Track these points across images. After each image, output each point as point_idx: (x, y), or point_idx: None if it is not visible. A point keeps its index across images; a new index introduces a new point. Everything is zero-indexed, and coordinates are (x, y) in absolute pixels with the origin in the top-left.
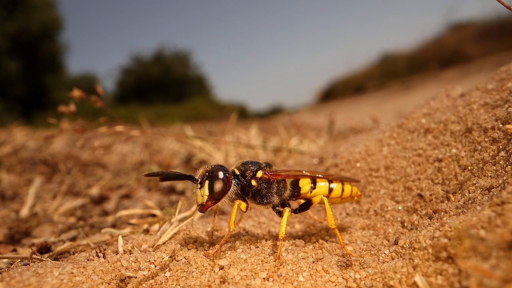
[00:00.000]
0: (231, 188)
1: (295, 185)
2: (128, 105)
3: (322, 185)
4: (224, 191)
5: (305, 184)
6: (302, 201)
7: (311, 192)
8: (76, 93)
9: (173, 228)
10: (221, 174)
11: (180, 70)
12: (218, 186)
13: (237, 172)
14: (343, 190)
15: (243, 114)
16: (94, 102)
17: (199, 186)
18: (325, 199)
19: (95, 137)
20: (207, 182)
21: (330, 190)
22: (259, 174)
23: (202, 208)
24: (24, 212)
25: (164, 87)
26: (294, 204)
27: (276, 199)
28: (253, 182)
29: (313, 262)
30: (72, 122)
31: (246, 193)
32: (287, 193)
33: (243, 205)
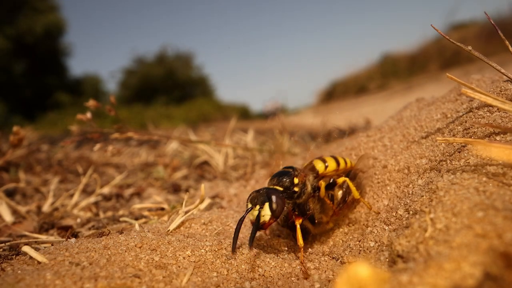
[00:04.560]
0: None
1: (312, 168)
2: (131, 106)
3: (331, 161)
4: (282, 208)
5: (318, 163)
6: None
7: (326, 169)
8: (91, 103)
9: (180, 217)
10: (275, 197)
11: (183, 71)
12: (276, 205)
13: (281, 189)
14: (346, 163)
15: (246, 115)
16: (108, 111)
17: (258, 207)
18: (347, 180)
19: (107, 142)
20: (267, 204)
21: (338, 164)
22: (297, 181)
23: (265, 225)
24: (46, 208)
25: (167, 88)
26: None
27: (309, 188)
28: (296, 189)
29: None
30: (82, 125)
31: (291, 198)
32: (311, 178)
33: (301, 220)
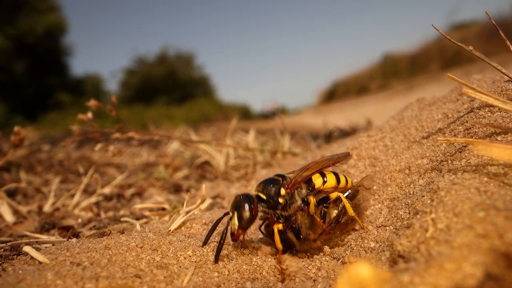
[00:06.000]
0: (258, 213)
1: (309, 181)
2: (132, 106)
3: (331, 177)
4: (251, 220)
5: (317, 178)
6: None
7: (323, 185)
8: (92, 103)
9: (181, 217)
10: (246, 206)
11: (184, 71)
12: (245, 215)
13: (264, 197)
14: (347, 181)
15: (247, 115)
16: (109, 111)
17: (230, 215)
18: (341, 195)
19: (108, 142)
20: (236, 213)
21: (338, 181)
22: (283, 192)
23: (234, 236)
24: (47, 208)
25: (168, 88)
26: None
27: (299, 201)
28: (281, 200)
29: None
30: (83, 125)
31: (275, 208)
32: (304, 191)
33: (280, 226)
